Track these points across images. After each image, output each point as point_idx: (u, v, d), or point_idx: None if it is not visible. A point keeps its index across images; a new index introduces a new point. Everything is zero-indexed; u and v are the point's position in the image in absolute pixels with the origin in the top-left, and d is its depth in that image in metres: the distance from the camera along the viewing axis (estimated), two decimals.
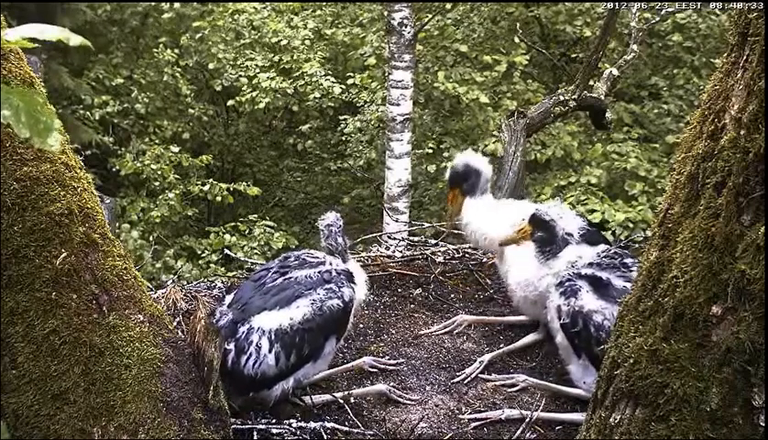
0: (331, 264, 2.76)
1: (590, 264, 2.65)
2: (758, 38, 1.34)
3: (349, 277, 2.75)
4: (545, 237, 2.75)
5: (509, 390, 2.86)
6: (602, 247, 3.11)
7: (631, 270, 2.62)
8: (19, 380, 1.88)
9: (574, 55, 11.01)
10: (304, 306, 2.58)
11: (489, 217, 3.21)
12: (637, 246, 3.77)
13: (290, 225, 11.87)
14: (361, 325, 3.31)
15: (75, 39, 1.51)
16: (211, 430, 2.09)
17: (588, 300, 2.54)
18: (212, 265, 9.13)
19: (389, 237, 4.48)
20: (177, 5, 11.64)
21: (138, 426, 1.95)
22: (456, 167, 3.30)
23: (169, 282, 3.55)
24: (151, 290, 3.11)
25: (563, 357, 2.71)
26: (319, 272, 2.69)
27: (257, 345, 2.50)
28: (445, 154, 9.67)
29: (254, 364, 2.49)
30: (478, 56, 9.74)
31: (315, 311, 2.58)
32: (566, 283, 2.60)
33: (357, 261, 3.73)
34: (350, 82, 10.56)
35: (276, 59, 11.03)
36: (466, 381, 2.90)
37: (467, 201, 3.28)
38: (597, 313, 2.49)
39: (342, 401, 2.69)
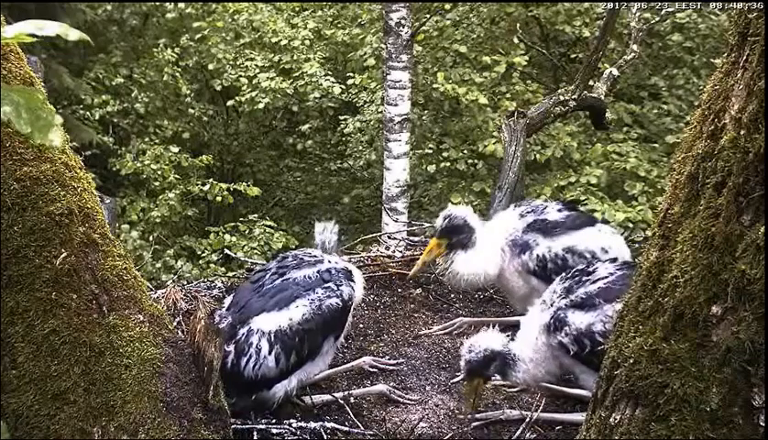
0: (329, 262, 2.76)
1: (561, 296, 2.60)
2: (758, 38, 1.34)
3: (348, 275, 2.75)
4: (501, 362, 2.61)
5: (509, 389, 2.86)
6: (587, 231, 3.08)
7: (596, 272, 2.60)
8: (19, 380, 1.88)
9: (573, 55, 11.01)
10: (303, 306, 2.58)
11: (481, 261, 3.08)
12: (637, 246, 3.77)
13: (290, 225, 11.87)
14: (361, 325, 3.31)
15: (74, 34, 1.50)
16: (211, 430, 2.09)
17: (579, 317, 2.50)
18: (212, 265, 9.13)
19: (388, 237, 4.48)
20: (181, 5, 11.62)
21: (138, 426, 1.95)
22: (454, 219, 3.05)
23: (169, 282, 3.55)
24: (151, 290, 3.11)
25: (586, 382, 2.59)
26: (318, 272, 2.69)
27: (257, 346, 2.50)
28: (445, 154, 9.66)
29: (254, 366, 2.50)
30: (477, 57, 9.73)
31: (314, 310, 2.58)
32: (552, 321, 2.55)
33: (357, 261, 3.75)
34: (350, 82, 10.56)
35: (276, 59, 11.02)
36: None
37: (459, 255, 3.06)
38: (596, 324, 2.45)
39: (342, 401, 2.69)
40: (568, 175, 8.81)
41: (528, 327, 2.66)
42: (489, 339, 2.61)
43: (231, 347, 2.50)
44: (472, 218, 3.08)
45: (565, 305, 2.55)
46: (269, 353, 2.51)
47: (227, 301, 2.77)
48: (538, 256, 2.98)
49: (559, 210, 3.15)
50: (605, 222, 3.33)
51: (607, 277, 2.55)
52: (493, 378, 2.91)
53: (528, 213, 3.14)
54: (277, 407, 2.63)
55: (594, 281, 2.56)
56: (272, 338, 2.52)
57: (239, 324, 2.55)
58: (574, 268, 2.79)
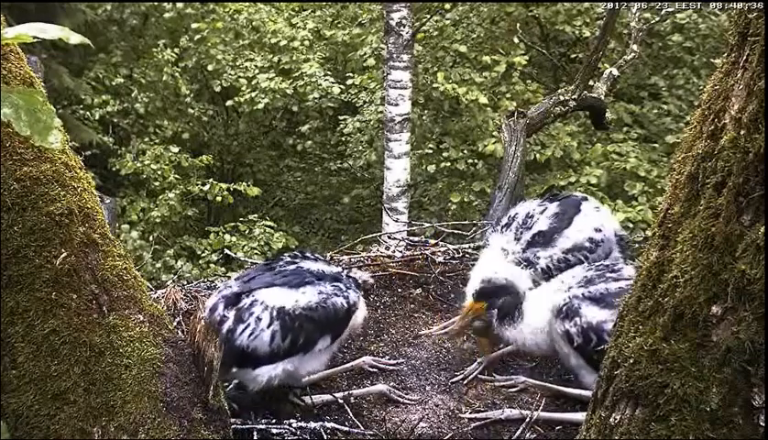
0: (343, 269, 2.78)
1: (581, 284, 2.60)
2: (758, 38, 1.34)
3: (357, 284, 2.76)
4: (507, 302, 2.64)
5: (509, 390, 2.86)
6: (577, 222, 3.07)
7: (622, 272, 2.60)
8: (19, 380, 1.88)
9: (573, 55, 11.02)
10: (311, 294, 2.57)
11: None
12: (637, 246, 3.77)
13: (290, 225, 11.88)
14: None
15: (75, 38, 1.51)
16: (211, 430, 2.09)
17: (593, 312, 2.48)
18: (212, 265, 9.15)
19: (389, 237, 4.48)
20: (179, 4, 11.63)
21: (138, 426, 1.95)
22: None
23: (169, 282, 3.55)
24: (151, 290, 3.11)
25: (580, 377, 2.60)
26: (331, 270, 2.71)
27: (257, 317, 2.48)
28: (445, 154, 9.67)
29: (249, 335, 2.46)
30: (477, 56, 9.74)
31: (320, 301, 2.57)
32: (564, 307, 2.54)
33: (357, 261, 3.75)
34: (349, 82, 10.56)
35: (275, 59, 11.02)
36: (465, 381, 2.90)
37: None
38: (608, 323, 2.41)
39: (342, 401, 2.69)
40: (568, 175, 8.82)
41: (535, 298, 2.66)
42: (519, 277, 2.66)
43: (231, 313, 2.48)
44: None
45: (583, 295, 2.53)
46: (267, 327, 2.48)
47: (234, 276, 2.78)
48: (542, 268, 2.98)
49: (543, 211, 3.10)
50: (585, 198, 3.28)
51: (629, 279, 2.48)
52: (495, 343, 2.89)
53: (520, 232, 3.07)
54: (277, 406, 2.63)
55: (617, 280, 2.54)
56: (274, 313, 2.49)
57: (245, 293, 2.54)
58: (576, 261, 2.84)
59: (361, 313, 2.79)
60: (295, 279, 2.60)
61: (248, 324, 2.47)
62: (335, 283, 2.65)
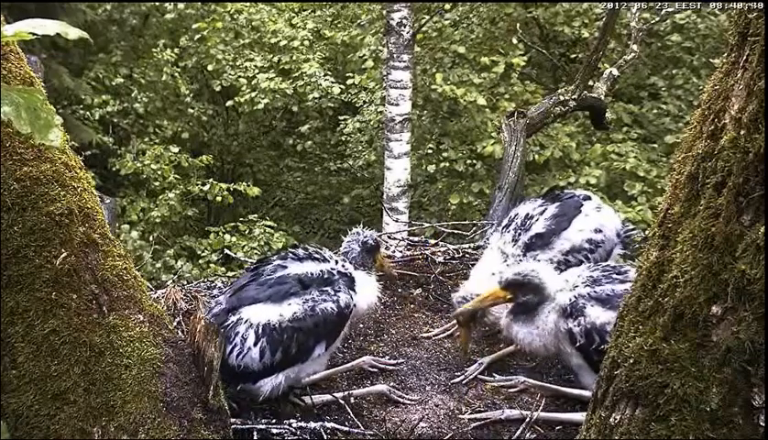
0: (336, 263, 2.73)
1: (586, 284, 2.60)
2: (758, 38, 1.34)
3: (350, 283, 2.70)
4: (531, 300, 2.65)
5: (509, 390, 2.86)
6: (576, 223, 3.08)
7: (628, 274, 2.59)
8: (19, 380, 1.88)
9: (573, 55, 11.02)
10: (296, 305, 2.54)
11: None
12: (637, 246, 3.77)
13: (290, 225, 11.89)
14: (361, 325, 3.30)
15: (74, 33, 1.51)
16: (211, 430, 2.09)
17: (597, 313, 2.49)
18: (212, 265, 9.14)
19: (389, 237, 4.47)
20: (180, 5, 11.63)
21: (138, 426, 1.95)
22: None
23: (169, 282, 3.55)
24: (151, 290, 3.11)
25: (580, 377, 2.63)
26: (320, 271, 2.65)
27: (242, 336, 2.48)
28: (444, 154, 9.67)
29: (237, 355, 2.47)
30: (476, 57, 9.74)
31: (307, 311, 2.54)
32: (569, 306, 2.55)
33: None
34: (349, 82, 10.56)
35: (275, 59, 11.03)
36: (465, 381, 2.90)
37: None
38: (611, 324, 2.36)
39: (342, 401, 2.68)
40: (567, 175, 8.82)
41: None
42: (552, 279, 2.64)
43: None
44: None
45: (588, 295, 2.54)
46: (254, 345, 2.47)
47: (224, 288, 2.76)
48: None
49: (542, 212, 3.11)
50: (587, 198, 3.25)
51: None
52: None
53: (518, 234, 3.09)
54: (275, 406, 2.63)
55: (623, 282, 2.53)
56: (259, 331, 2.48)
57: (231, 310, 2.53)
58: (576, 263, 2.84)
59: (366, 301, 2.76)
60: (280, 290, 2.56)
61: (235, 345, 2.47)
62: (323, 288, 2.61)
